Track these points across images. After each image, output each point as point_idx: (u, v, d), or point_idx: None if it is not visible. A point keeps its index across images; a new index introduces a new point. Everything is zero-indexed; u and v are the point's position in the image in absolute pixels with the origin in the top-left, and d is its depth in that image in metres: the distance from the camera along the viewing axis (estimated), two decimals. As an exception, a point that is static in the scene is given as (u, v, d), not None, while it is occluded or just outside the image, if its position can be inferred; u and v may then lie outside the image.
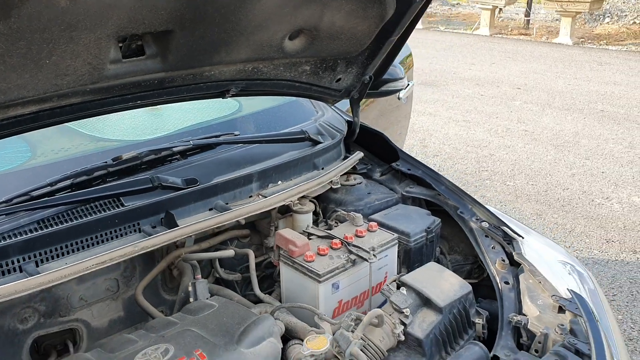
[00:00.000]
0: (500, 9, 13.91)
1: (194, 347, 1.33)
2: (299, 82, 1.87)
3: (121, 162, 1.67)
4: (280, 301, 1.73)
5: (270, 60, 1.70)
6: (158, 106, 2.08)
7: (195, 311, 1.51)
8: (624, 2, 13.92)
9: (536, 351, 1.51)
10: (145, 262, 1.72)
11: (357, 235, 1.76)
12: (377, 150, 2.25)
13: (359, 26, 1.69)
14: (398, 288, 1.59)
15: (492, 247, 1.80)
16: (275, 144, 2.01)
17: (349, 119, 2.29)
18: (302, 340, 1.43)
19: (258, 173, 1.82)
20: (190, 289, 1.65)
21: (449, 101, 7.87)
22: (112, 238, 1.53)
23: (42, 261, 1.42)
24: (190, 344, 1.35)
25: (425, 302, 1.56)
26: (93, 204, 1.56)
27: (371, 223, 1.80)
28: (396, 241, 1.78)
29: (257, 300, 1.73)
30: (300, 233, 1.78)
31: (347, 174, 2.11)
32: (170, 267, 1.79)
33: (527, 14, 13.69)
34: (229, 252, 1.73)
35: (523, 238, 1.81)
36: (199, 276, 1.69)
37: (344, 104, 2.31)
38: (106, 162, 1.66)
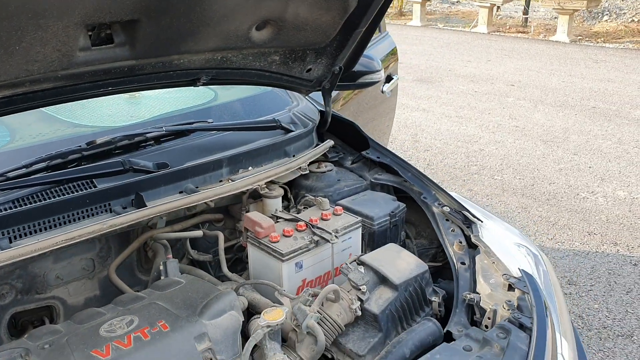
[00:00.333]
0: (498, 7, 13.96)
1: (157, 319, 1.41)
2: (269, 72, 1.94)
3: (95, 146, 1.75)
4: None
5: (239, 50, 1.78)
6: (136, 94, 2.16)
7: (163, 287, 1.59)
8: (622, 0, 13.96)
9: (486, 326, 1.59)
10: (120, 244, 1.80)
11: (322, 219, 1.84)
12: (349, 139, 2.33)
13: (323, 17, 1.76)
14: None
15: (452, 230, 1.88)
16: (248, 132, 2.09)
17: (323, 109, 2.37)
18: (264, 315, 1.51)
19: (228, 158, 1.90)
20: (161, 267, 1.73)
21: (442, 97, 7.94)
22: (83, 217, 1.61)
23: (15, 237, 1.50)
24: (155, 315, 1.42)
25: (382, 280, 1.63)
26: (66, 185, 1.64)
27: (336, 207, 1.88)
28: (360, 224, 1.85)
29: (227, 280, 1.81)
30: (269, 217, 1.86)
31: (319, 161, 2.19)
32: (146, 248, 1.87)
33: (526, 12, 13.74)
34: (198, 233, 1.81)
35: (482, 222, 1.89)
36: (170, 256, 1.77)
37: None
38: (80, 146, 1.75)
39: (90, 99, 1.83)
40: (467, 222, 1.89)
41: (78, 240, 1.49)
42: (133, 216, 1.57)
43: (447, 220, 1.92)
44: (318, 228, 1.78)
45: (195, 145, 1.95)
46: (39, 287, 1.67)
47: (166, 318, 1.42)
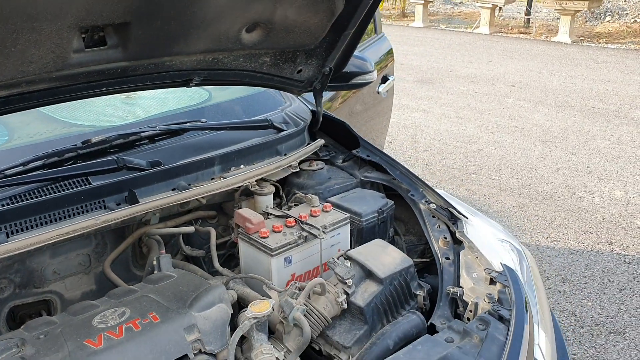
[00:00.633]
0: (500, 8, 13.99)
1: (148, 310, 1.46)
2: (260, 73, 2.00)
3: (90, 145, 1.81)
4: (239, 275, 1.86)
5: (230, 52, 1.83)
6: (132, 95, 2.22)
7: (155, 281, 1.64)
8: (625, 1, 13.97)
9: (468, 319, 1.64)
10: (115, 240, 1.86)
11: (311, 215, 1.89)
12: (340, 139, 2.38)
13: (311, 20, 1.82)
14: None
15: (438, 226, 1.93)
16: (241, 132, 2.15)
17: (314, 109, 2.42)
18: (253, 308, 1.56)
19: (220, 156, 1.95)
20: (154, 263, 1.78)
21: (442, 98, 7.98)
22: (78, 213, 1.66)
23: (12, 232, 1.56)
24: (146, 307, 1.48)
25: (368, 274, 1.68)
26: (62, 182, 1.70)
27: (325, 204, 1.93)
28: (348, 220, 1.90)
29: (219, 275, 1.87)
30: (260, 213, 1.92)
31: (310, 160, 2.24)
32: (140, 245, 1.93)
33: (528, 13, 13.77)
34: (189, 229, 1.86)
35: (467, 218, 1.94)
36: (163, 251, 1.82)
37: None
38: (76, 145, 1.80)
39: (86, 100, 1.90)
40: (452, 219, 1.94)
41: (72, 235, 1.55)
42: (126, 212, 1.63)
43: (433, 216, 1.97)
44: (307, 224, 1.83)
45: (189, 144, 2.00)
46: (37, 281, 1.73)
47: (157, 310, 1.47)
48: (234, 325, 1.56)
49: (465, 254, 1.81)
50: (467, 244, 1.82)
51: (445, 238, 1.87)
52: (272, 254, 1.73)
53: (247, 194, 2.07)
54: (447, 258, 1.82)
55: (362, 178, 2.22)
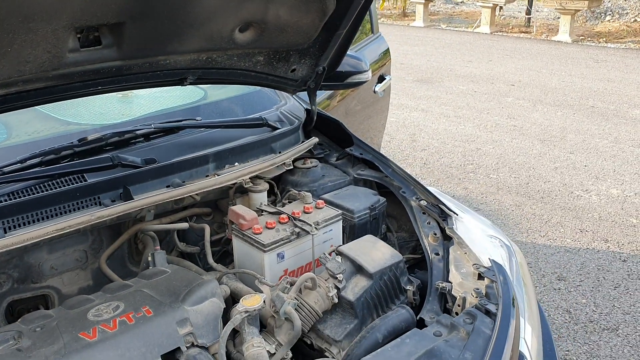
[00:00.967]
0: (501, 7, 14.01)
1: (142, 304, 1.49)
2: (254, 72, 2.03)
3: (86, 142, 1.85)
4: (233, 271, 1.89)
5: (224, 51, 1.86)
6: (128, 94, 2.26)
7: (149, 276, 1.67)
8: (625, 0, 13.98)
9: (456, 313, 1.67)
10: (111, 236, 1.90)
11: (304, 212, 1.92)
12: (334, 137, 2.42)
13: (304, 20, 1.85)
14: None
15: (428, 223, 1.96)
16: (236, 130, 2.18)
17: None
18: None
19: (214, 154, 1.98)
20: (149, 259, 1.82)
21: (442, 97, 8.01)
22: (74, 210, 1.70)
23: (10, 228, 1.59)
24: (139, 301, 1.51)
25: (358, 269, 1.71)
26: (59, 179, 1.73)
27: (318, 201, 1.96)
28: (340, 217, 1.94)
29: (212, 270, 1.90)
30: (254, 210, 1.95)
31: (305, 158, 2.28)
32: (136, 241, 1.96)
33: (528, 12, 13.79)
34: (183, 225, 1.90)
35: (457, 215, 1.97)
36: (158, 247, 1.85)
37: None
38: (72, 142, 1.84)
39: (83, 98, 1.93)
40: (442, 215, 1.97)
41: (68, 230, 1.58)
42: (120, 208, 1.66)
43: (423, 213, 2.00)
44: (300, 220, 1.86)
45: (184, 142, 2.03)
46: (35, 276, 1.76)
47: (150, 304, 1.50)
48: (226, 319, 1.59)
49: (455, 249, 1.84)
50: (457, 240, 1.85)
51: (435, 234, 1.90)
52: (265, 249, 1.76)
53: (241, 191, 2.11)
54: (437, 254, 1.85)
55: (355, 175, 2.25)
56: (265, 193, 2.07)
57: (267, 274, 1.79)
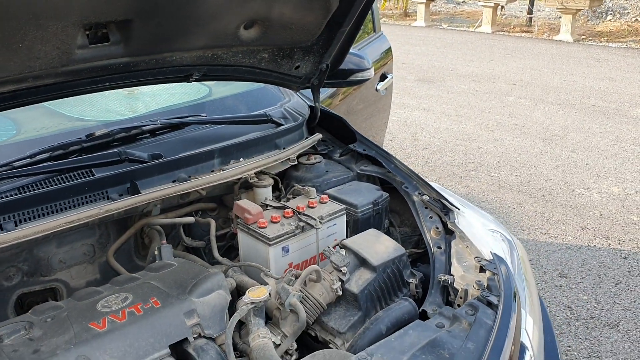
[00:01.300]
0: (502, 7, 14.02)
1: (150, 296, 1.52)
2: (258, 69, 2.06)
3: (94, 138, 1.88)
4: (238, 265, 1.92)
5: (229, 48, 1.89)
6: (134, 90, 2.29)
7: (157, 269, 1.70)
8: (626, 0, 13.99)
9: (458, 305, 1.69)
10: (118, 230, 1.93)
11: (308, 206, 1.95)
12: (337, 133, 2.45)
13: (307, 17, 1.88)
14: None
15: (430, 217, 1.99)
16: (240, 126, 2.21)
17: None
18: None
19: (220, 149, 2.01)
20: (156, 252, 1.85)
21: (443, 96, 8.03)
22: (83, 204, 1.73)
23: (20, 221, 1.62)
24: (147, 293, 1.54)
25: (362, 262, 1.74)
26: (67, 174, 1.76)
27: (322, 196, 1.99)
28: (344, 211, 1.96)
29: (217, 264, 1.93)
30: (259, 205, 1.98)
31: (309, 154, 2.30)
32: (142, 236, 1.99)
33: (530, 12, 13.81)
34: (189, 219, 1.93)
35: (459, 209, 1.99)
36: (164, 241, 1.88)
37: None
38: (80, 138, 1.87)
39: (90, 95, 1.96)
40: (444, 210, 1.99)
41: (77, 223, 1.61)
42: (127, 202, 1.69)
43: (426, 208, 2.03)
44: (304, 215, 1.89)
45: (189, 137, 2.06)
46: (44, 270, 1.79)
47: (158, 295, 1.53)
48: (232, 312, 1.62)
49: (457, 243, 1.86)
50: (458, 234, 1.88)
51: (437, 228, 1.92)
52: (270, 243, 1.79)
53: (246, 186, 2.13)
54: (439, 247, 1.87)
55: (359, 171, 2.28)
56: (270, 188, 2.09)
57: (272, 268, 1.81)
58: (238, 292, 1.74)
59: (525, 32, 13.09)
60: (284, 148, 2.23)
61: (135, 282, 1.62)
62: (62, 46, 1.50)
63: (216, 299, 1.57)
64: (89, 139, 1.88)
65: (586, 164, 5.57)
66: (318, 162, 2.28)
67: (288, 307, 1.58)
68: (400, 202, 2.20)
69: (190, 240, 2.01)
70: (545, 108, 7.37)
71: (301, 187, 2.09)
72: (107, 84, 1.74)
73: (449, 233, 1.94)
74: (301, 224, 1.86)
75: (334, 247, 1.78)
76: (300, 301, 1.60)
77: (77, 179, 1.76)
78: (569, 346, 3.14)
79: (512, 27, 13.65)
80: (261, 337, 1.49)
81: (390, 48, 4.22)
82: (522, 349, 1.58)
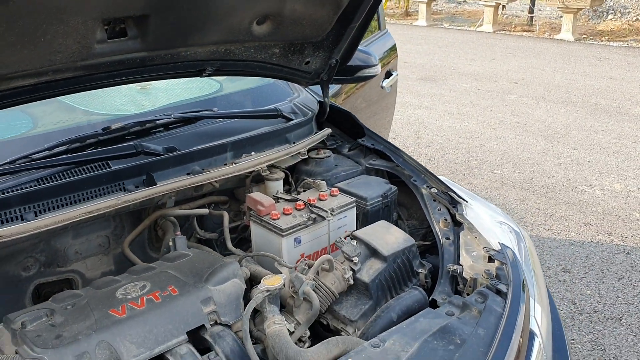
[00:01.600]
0: (503, 6, 14.06)
1: (167, 284, 1.56)
2: (269, 64, 2.10)
3: (110, 131, 1.92)
4: (251, 255, 1.96)
5: (241, 43, 1.93)
6: (147, 85, 2.33)
7: (172, 259, 1.74)
8: (627, -1, 14.04)
9: (467, 294, 1.73)
10: (132, 222, 1.97)
11: (319, 199, 1.99)
12: (346, 128, 2.48)
13: (318, 13, 1.91)
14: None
15: (438, 210, 2.02)
16: (251, 121, 2.25)
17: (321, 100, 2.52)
18: (265, 284, 1.65)
19: (232, 143, 2.05)
20: (170, 243, 1.88)
21: (445, 95, 8.07)
22: (100, 195, 1.77)
23: (40, 212, 1.66)
24: (165, 281, 1.58)
25: (373, 252, 1.78)
26: (84, 166, 1.80)
27: (333, 189, 2.03)
28: (354, 204, 2.00)
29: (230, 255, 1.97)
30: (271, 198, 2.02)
31: (318, 148, 2.34)
32: (156, 228, 2.03)
33: (531, 11, 13.84)
34: (203, 211, 1.96)
35: (467, 202, 2.03)
36: (179, 232, 1.92)
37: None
38: (97, 131, 1.91)
39: (104, 90, 2.00)
40: (452, 202, 2.03)
41: (96, 214, 1.65)
42: (144, 193, 1.73)
43: (434, 200, 2.06)
44: (315, 207, 1.93)
45: (202, 131, 2.10)
46: (60, 260, 1.83)
47: (175, 284, 1.57)
48: (246, 301, 1.66)
49: (465, 234, 1.90)
50: (467, 225, 1.92)
51: (446, 220, 1.96)
52: (283, 234, 1.83)
53: (257, 180, 2.17)
54: (448, 238, 1.91)
55: (367, 165, 2.32)
56: (281, 181, 2.13)
57: (285, 258, 1.85)
58: (251, 282, 1.78)
59: (526, 31, 13.13)
60: (294, 142, 2.26)
61: (152, 271, 1.66)
62: (82, 40, 1.54)
63: (232, 287, 1.60)
64: (105, 132, 1.92)
65: (588, 162, 5.61)
66: (327, 157, 2.31)
67: (302, 295, 1.62)
68: (408, 196, 2.24)
69: (203, 232, 2.05)
70: (547, 106, 7.41)
71: (311, 180, 2.13)
72: (124, 78, 1.77)
73: (457, 225, 1.98)
74: (313, 215, 1.90)
75: (345, 238, 1.82)
76: (313, 290, 1.64)
77: (94, 171, 1.80)
78: (573, 339, 3.18)
79: (513, 26, 13.69)
80: (277, 323, 1.52)
81: (395, 45, 4.26)
82: (531, 335, 1.62)
